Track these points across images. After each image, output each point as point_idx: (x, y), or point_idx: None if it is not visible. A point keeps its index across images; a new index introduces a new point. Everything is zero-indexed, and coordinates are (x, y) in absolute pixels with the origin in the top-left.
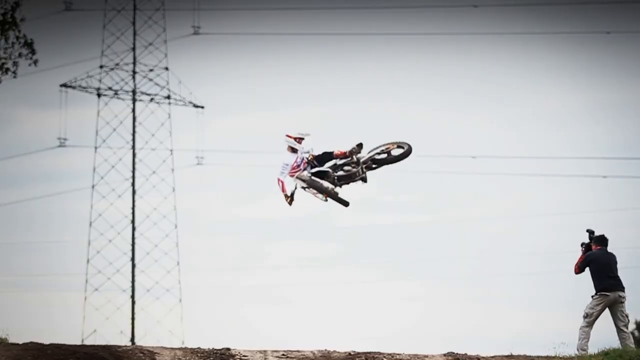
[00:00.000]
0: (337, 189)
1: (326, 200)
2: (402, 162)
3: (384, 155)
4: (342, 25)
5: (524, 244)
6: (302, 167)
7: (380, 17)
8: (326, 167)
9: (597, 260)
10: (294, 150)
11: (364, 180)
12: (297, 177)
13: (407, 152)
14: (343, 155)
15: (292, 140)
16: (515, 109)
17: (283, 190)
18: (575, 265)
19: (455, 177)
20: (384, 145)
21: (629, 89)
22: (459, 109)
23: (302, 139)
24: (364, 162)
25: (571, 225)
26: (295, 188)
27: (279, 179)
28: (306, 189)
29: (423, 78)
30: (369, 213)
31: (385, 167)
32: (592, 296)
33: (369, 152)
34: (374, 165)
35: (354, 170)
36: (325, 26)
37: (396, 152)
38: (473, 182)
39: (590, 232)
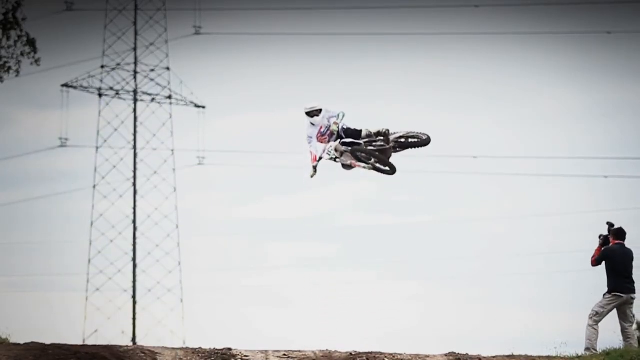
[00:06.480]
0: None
1: (371, 169)
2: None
3: (413, 140)
4: (343, 25)
5: (524, 244)
6: (327, 136)
7: (380, 17)
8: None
9: (614, 257)
10: (313, 124)
11: (392, 169)
12: (333, 149)
13: (428, 141)
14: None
15: (309, 117)
16: (515, 109)
17: (314, 160)
18: (592, 257)
19: (455, 177)
20: (407, 132)
21: (629, 89)
22: (459, 109)
23: (319, 110)
24: (394, 141)
25: (571, 225)
26: (320, 159)
27: (310, 152)
28: (337, 160)
29: (423, 78)
30: (369, 213)
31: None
32: (604, 295)
33: (394, 135)
34: (397, 148)
35: (387, 146)
36: (327, 26)
37: (416, 139)
38: (473, 182)
39: (610, 225)
